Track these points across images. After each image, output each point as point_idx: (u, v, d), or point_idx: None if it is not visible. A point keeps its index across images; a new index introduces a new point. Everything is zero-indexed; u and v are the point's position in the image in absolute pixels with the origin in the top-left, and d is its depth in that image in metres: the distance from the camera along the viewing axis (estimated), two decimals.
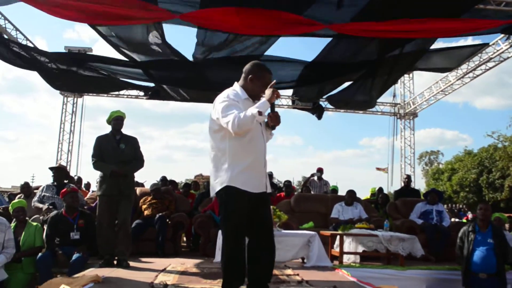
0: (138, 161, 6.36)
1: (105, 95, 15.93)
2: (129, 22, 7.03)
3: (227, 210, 3.69)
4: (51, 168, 7.78)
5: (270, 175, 11.09)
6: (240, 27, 6.87)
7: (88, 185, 12.45)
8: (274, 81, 3.69)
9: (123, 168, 6.09)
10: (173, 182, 11.22)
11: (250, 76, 3.79)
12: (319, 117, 14.65)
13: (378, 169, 17.89)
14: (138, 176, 13.91)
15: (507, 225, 9.58)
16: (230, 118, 3.50)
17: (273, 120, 3.62)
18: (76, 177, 11.34)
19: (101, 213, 6.13)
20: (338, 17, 7.13)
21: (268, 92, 3.56)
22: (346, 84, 11.08)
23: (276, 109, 3.73)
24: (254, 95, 3.77)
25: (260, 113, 3.45)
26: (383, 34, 6.72)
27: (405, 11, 6.63)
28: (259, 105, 3.53)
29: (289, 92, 13.77)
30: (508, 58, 11.65)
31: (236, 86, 3.84)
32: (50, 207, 6.83)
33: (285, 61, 9.01)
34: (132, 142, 6.38)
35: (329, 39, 8.16)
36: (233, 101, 3.64)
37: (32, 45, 12.00)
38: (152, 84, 11.38)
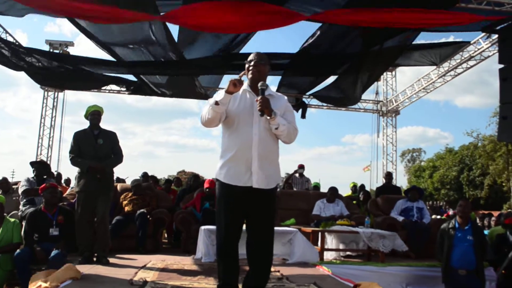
0: (116, 157, 6.29)
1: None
2: (110, 22, 6.99)
3: (216, 203, 3.72)
4: (32, 163, 7.66)
5: None
6: (223, 26, 6.86)
7: (68, 181, 12.32)
8: (242, 72, 3.66)
9: (100, 163, 6.04)
10: (153, 178, 11.16)
11: None
12: (303, 115, 14.71)
13: (365, 169, 17.93)
14: (120, 172, 13.85)
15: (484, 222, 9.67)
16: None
17: (259, 106, 3.45)
18: (55, 173, 11.23)
19: (80, 209, 6.07)
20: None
21: (228, 82, 3.48)
22: (330, 80, 11.16)
23: None
24: (251, 85, 3.67)
25: (216, 102, 3.42)
26: (366, 24, 6.74)
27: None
28: (219, 95, 3.50)
29: (273, 88, 13.74)
30: (489, 56, 11.75)
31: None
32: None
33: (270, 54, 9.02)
34: (111, 137, 6.31)
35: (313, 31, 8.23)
36: (215, 95, 3.62)
37: (13, 39, 11.85)
38: (134, 79, 11.34)
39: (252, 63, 3.66)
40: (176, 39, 8.16)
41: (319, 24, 7.92)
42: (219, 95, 3.50)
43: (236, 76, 3.69)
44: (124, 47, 8.63)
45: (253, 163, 3.51)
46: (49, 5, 6.18)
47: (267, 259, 3.68)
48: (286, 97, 3.81)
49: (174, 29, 7.85)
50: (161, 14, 6.76)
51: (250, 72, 3.66)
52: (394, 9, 6.43)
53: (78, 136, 6.22)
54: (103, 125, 6.36)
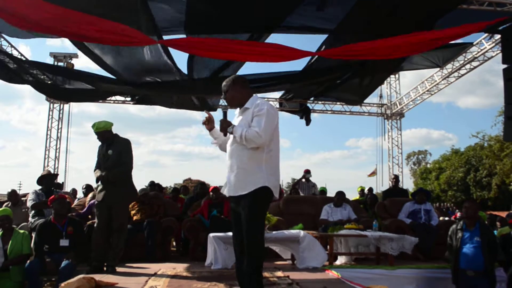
0: (121, 166, 6.25)
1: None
2: (113, 43, 7.09)
3: None
4: (39, 181, 7.61)
5: None
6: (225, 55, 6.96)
7: (74, 192, 12.37)
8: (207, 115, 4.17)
9: (106, 175, 6.13)
10: (158, 185, 11.17)
11: None
12: (307, 122, 14.73)
13: (370, 175, 17.92)
14: None
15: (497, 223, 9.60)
16: None
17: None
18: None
19: (96, 218, 6.25)
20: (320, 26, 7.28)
21: None
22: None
23: None
24: None
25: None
26: (370, 57, 6.77)
27: (384, 24, 6.75)
28: None
29: (277, 94, 13.84)
30: (492, 57, 11.77)
31: None
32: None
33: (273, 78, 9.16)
34: (120, 146, 6.31)
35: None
36: None
37: (17, 53, 11.96)
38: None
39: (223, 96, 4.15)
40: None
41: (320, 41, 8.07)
42: None
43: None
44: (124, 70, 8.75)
45: (228, 175, 3.93)
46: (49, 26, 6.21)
47: (248, 257, 3.75)
48: (259, 101, 3.94)
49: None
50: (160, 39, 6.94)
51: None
52: (394, 38, 6.43)
53: (99, 148, 6.43)
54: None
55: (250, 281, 3.73)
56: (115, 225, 6.13)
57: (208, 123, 4.10)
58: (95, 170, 6.34)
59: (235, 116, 4.11)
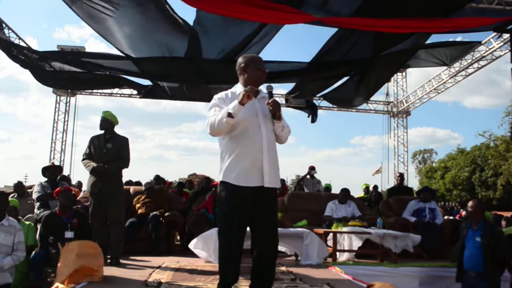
0: (120, 161, 6.32)
1: (98, 94, 15.93)
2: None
3: (218, 204, 3.76)
4: (44, 170, 7.64)
5: None
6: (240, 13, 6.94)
7: (80, 184, 12.41)
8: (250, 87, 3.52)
9: (103, 166, 6.14)
10: (163, 180, 11.21)
11: (239, 71, 3.78)
12: (313, 120, 14.70)
13: (375, 173, 17.92)
14: (132, 175, 13.88)
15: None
16: (207, 121, 3.56)
17: (272, 109, 3.50)
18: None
19: (91, 210, 6.26)
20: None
21: (241, 94, 3.44)
22: (340, 82, 11.19)
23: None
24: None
25: (230, 114, 3.40)
26: (373, 28, 6.75)
27: (396, 10, 6.71)
28: (230, 106, 3.45)
29: (283, 91, 13.85)
30: (500, 56, 11.70)
31: (237, 84, 3.81)
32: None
33: (283, 63, 9.17)
34: (120, 142, 6.38)
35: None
36: (218, 101, 3.66)
37: (25, 45, 11.98)
38: (146, 82, 11.44)
39: (261, 68, 3.71)
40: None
41: (330, 34, 8.05)
42: (232, 107, 3.45)
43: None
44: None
45: (264, 164, 3.54)
46: None
47: (273, 259, 3.69)
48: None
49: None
50: None
51: (261, 76, 3.70)
52: (404, 18, 6.43)
53: (93, 139, 6.40)
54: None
55: (270, 277, 3.68)
56: (111, 217, 6.18)
57: (251, 96, 3.45)
58: (84, 160, 6.33)
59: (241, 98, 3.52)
